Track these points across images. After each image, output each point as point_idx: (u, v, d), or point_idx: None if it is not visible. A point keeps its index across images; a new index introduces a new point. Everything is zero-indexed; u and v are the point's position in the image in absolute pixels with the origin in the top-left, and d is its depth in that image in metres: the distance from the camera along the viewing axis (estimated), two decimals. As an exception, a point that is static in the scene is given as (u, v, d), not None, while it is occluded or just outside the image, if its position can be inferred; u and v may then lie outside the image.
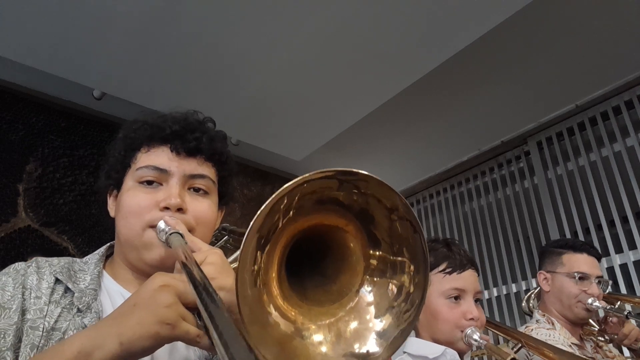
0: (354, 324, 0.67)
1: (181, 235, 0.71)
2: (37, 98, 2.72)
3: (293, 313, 0.65)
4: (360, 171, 0.61)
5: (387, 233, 0.67)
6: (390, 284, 0.67)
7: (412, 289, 0.66)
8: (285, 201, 0.60)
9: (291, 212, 0.62)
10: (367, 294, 0.68)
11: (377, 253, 0.68)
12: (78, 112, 2.86)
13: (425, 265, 0.65)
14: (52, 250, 2.54)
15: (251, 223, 0.57)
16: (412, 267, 0.66)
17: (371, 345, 0.65)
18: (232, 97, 2.67)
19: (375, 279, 0.68)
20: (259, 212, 0.57)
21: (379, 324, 0.66)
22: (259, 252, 0.60)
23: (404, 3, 2.07)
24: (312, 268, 0.73)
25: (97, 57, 2.34)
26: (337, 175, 0.61)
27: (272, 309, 0.63)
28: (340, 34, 2.24)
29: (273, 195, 0.58)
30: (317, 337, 0.65)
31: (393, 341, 0.65)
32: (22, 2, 2.00)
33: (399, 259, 0.67)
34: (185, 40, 2.26)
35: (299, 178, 0.58)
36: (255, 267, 0.60)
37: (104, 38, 2.21)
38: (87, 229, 2.69)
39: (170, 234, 0.71)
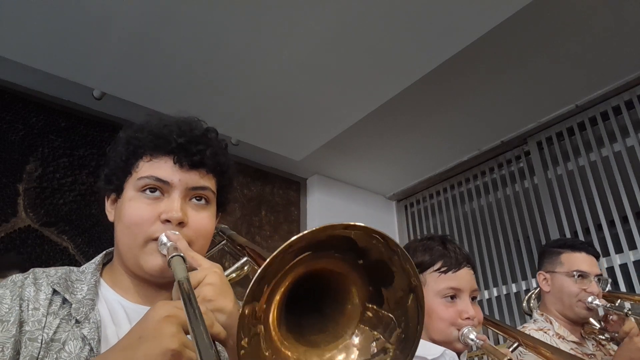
0: None
1: (183, 257, 0.72)
2: (37, 98, 2.72)
3: (289, 354, 0.68)
4: (396, 242, 0.66)
5: (394, 299, 0.71)
6: (375, 342, 0.72)
7: (391, 355, 0.70)
8: (297, 247, 0.63)
9: (300, 257, 0.66)
10: (355, 337, 0.73)
11: (375, 307, 0.72)
12: (78, 112, 2.86)
13: (410, 353, 0.70)
14: (53, 251, 2.54)
15: (257, 273, 0.60)
16: (400, 341, 0.70)
17: None
18: (232, 97, 2.67)
19: (365, 327, 0.73)
20: (273, 254, 0.60)
21: None
22: (260, 300, 0.64)
23: (403, 3, 2.07)
24: (311, 305, 0.76)
25: (97, 57, 2.34)
26: (369, 232, 0.65)
27: (270, 356, 0.66)
28: (340, 34, 2.24)
29: (291, 239, 0.61)
30: None
31: None
32: (22, 2, 2.00)
33: (393, 325, 0.71)
34: (185, 40, 2.26)
35: (317, 229, 0.62)
36: (255, 316, 0.64)
37: (104, 38, 2.22)
38: (87, 229, 2.69)
39: (172, 258, 0.72)
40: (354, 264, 0.70)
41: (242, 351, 0.61)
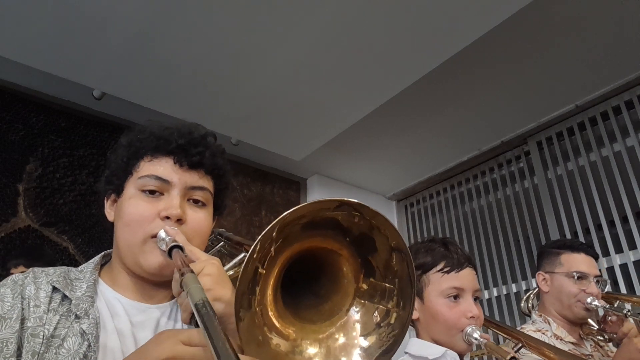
0: (342, 340, 0.73)
1: (181, 248, 0.74)
2: (37, 98, 2.72)
3: (287, 331, 0.70)
4: (369, 207, 0.68)
5: (383, 264, 0.73)
6: (377, 311, 0.74)
7: (393, 320, 0.73)
8: (287, 225, 0.65)
9: (290, 236, 0.67)
10: (355, 313, 0.75)
11: (370, 279, 0.75)
12: (78, 112, 2.86)
13: (410, 305, 0.73)
14: (52, 251, 2.54)
15: (250, 249, 0.62)
16: (399, 301, 0.73)
17: (356, 359, 0.72)
18: (231, 97, 2.67)
19: (364, 301, 0.75)
20: (262, 233, 0.62)
21: (363, 341, 0.73)
22: (257, 275, 0.65)
23: (402, 3, 2.07)
24: (307, 288, 0.78)
25: (97, 57, 2.34)
26: (345, 205, 0.67)
27: (267, 329, 0.68)
28: (340, 34, 2.24)
29: (277, 219, 0.63)
30: (310, 353, 0.71)
31: (377, 358, 0.72)
32: (22, 2, 2.00)
33: (389, 289, 0.73)
34: (185, 40, 2.26)
35: (303, 205, 0.64)
36: (253, 290, 0.65)
37: (104, 38, 2.22)
38: (87, 229, 2.69)
39: (171, 248, 0.73)
40: (342, 241, 0.73)
41: (239, 325, 0.61)
